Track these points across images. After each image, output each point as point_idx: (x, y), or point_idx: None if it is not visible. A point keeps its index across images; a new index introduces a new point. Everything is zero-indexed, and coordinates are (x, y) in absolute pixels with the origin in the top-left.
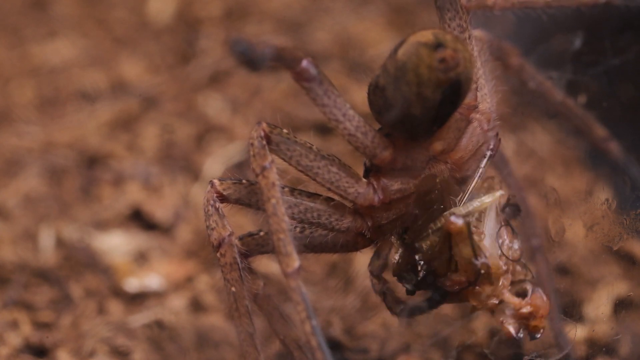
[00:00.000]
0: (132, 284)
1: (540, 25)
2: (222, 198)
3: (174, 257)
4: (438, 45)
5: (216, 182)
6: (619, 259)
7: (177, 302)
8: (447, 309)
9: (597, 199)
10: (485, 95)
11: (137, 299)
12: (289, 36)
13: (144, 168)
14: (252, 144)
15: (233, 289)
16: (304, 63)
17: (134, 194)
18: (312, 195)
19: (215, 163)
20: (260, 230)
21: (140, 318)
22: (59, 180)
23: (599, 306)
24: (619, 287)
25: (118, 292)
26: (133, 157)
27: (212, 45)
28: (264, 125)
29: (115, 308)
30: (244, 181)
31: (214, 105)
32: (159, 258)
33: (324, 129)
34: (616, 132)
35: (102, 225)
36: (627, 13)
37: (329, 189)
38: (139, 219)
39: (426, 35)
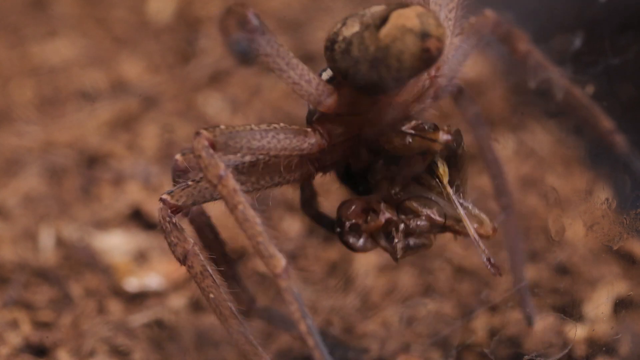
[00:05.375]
0: (132, 283)
1: (540, 25)
2: (178, 209)
3: (173, 257)
4: (424, 34)
5: (166, 196)
6: (618, 259)
7: (177, 302)
8: (447, 308)
9: (597, 199)
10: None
11: (137, 299)
12: (289, 35)
13: (143, 168)
14: (199, 156)
15: (211, 295)
16: (248, 15)
17: (133, 194)
18: (263, 162)
19: None
20: (188, 181)
21: (140, 318)
22: (59, 180)
23: (598, 306)
24: (619, 287)
25: (118, 292)
26: (133, 156)
27: (212, 44)
28: (205, 133)
29: (115, 308)
30: (190, 183)
31: (214, 105)
32: (158, 258)
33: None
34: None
35: (102, 224)
36: (627, 13)
37: (286, 155)
38: (138, 219)
39: (411, 19)
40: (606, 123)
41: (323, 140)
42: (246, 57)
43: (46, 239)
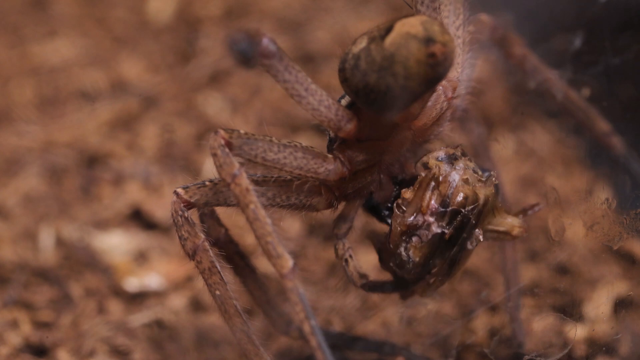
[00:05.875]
0: (132, 283)
1: (540, 25)
2: (190, 205)
3: (173, 257)
4: (428, 40)
5: (181, 191)
6: (618, 259)
7: (177, 302)
8: (447, 308)
9: (597, 199)
10: (457, 64)
11: (137, 299)
12: (288, 35)
13: (143, 167)
14: (215, 155)
15: (217, 292)
16: (264, 41)
17: (133, 194)
18: (280, 180)
19: None
20: (206, 181)
21: (140, 318)
22: (58, 180)
23: (598, 306)
24: (619, 287)
25: (118, 292)
26: (133, 156)
27: (212, 44)
28: (222, 132)
29: (115, 308)
30: (207, 183)
31: (213, 105)
32: (158, 257)
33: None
34: (616, 131)
35: (102, 224)
36: (627, 13)
37: (300, 175)
38: (138, 219)
39: (415, 26)
40: (603, 125)
41: (344, 168)
42: (246, 58)
43: (46, 239)
